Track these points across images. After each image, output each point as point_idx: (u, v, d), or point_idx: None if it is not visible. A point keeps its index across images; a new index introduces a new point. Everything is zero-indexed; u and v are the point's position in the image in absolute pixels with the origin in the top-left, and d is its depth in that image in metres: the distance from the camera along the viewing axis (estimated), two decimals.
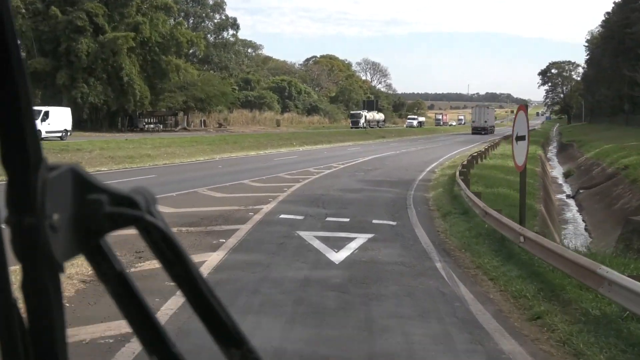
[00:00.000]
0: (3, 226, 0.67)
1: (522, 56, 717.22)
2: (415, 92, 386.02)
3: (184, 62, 70.91)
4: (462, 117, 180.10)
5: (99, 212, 0.69)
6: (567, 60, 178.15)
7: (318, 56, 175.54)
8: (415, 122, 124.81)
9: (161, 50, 67.22)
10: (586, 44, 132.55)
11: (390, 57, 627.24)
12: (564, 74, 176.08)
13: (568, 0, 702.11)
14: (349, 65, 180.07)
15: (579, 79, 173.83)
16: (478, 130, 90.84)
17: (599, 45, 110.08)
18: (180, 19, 71.17)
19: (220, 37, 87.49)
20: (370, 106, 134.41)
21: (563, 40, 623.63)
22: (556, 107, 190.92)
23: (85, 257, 0.72)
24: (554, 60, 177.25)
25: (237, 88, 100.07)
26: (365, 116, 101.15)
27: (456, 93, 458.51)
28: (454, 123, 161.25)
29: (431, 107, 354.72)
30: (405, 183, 25.00)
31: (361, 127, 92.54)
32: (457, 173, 21.19)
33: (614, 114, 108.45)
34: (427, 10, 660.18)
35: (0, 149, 0.66)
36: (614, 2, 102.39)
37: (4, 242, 0.67)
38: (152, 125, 71.29)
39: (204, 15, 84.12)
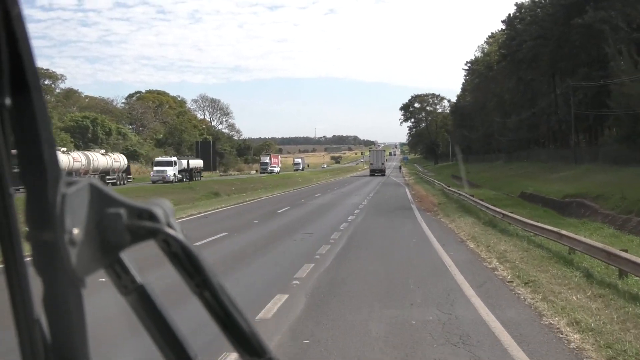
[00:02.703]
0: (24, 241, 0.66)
1: (367, 99, 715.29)
2: (264, 137, 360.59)
3: None
4: (300, 161, 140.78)
5: (118, 225, 0.68)
6: (431, 92, 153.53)
7: (143, 91, 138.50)
8: (170, 172, 54.75)
9: None
10: (466, 68, 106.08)
11: (237, 103, 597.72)
12: (428, 108, 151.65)
13: (399, 51, 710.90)
14: (183, 102, 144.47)
15: (447, 111, 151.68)
16: (375, 172, 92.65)
17: (499, 60, 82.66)
18: None
19: None
20: (205, 148, 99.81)
21: (402, 85, 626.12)
22: (405, 145, 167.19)
23: (105, 271, 0.71)
24: (417, 93, 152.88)
25: None
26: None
27: (304, 137, 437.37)
28: (276, 169, 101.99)
29: (279, 151, 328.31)
30: None
31: None
32: None
33: (521, 147, 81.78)
34: (270, 58, 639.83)
35: (19, 164, 0.65)
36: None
37: (25, 256, 0.66)
38: None
39: None
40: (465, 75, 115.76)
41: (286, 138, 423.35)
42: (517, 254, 12.94)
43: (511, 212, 17.92)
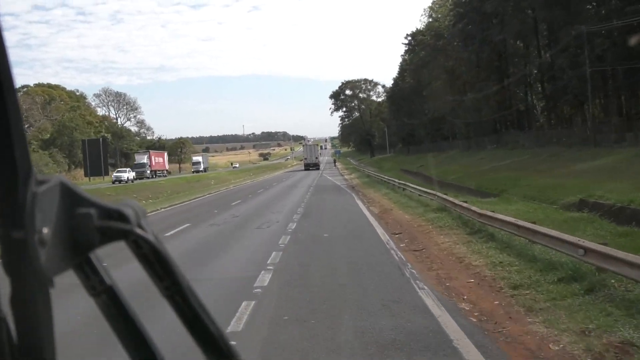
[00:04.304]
0: None
1: (296, 95, 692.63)
2: (191, 136, 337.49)
3: None
4: (200, 159, 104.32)
5: (88, 225, 0.66)
6: (364, 78, 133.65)
7: (32, 85, 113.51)
8: None
9: None
10: (407, 42, 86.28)
11: (164, 103, 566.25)
12: (361, 95, 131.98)
13: (326, 46, 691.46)
14: (82, 97, 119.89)
15: (381, 99, 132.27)
16: (310, 167, 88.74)
17: (455, 21, 63.11)
18: None
19: None
20: (94, 147, 77.64)
21: (331, 79, 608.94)
22: (336, 139, 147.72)
23: (74, 271, 0.68)
24: (348, 79, 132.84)
25: None
26: None
27: (232, 134, 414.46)
28: (125, 176, 63.04)
29: (206, 150, 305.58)
30: None
31: None
32: None
33: (483, 132, 62.29)
34: (196, 57, 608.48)
35: None
36: None
37: None
38: None
39: None
40: (404, 54, 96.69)
41: (214, 137, 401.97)
42: None
43: None
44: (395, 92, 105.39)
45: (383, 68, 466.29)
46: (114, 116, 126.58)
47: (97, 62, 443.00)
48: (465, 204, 14.73)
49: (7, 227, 0.61)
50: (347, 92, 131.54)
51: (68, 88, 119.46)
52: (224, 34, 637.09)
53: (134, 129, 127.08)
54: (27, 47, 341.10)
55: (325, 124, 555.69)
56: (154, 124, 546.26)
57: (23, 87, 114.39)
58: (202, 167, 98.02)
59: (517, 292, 7.76)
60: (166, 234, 15.78)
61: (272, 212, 21.06)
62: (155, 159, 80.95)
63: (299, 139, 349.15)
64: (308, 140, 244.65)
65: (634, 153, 29.69)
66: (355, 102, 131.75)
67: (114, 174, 64.39)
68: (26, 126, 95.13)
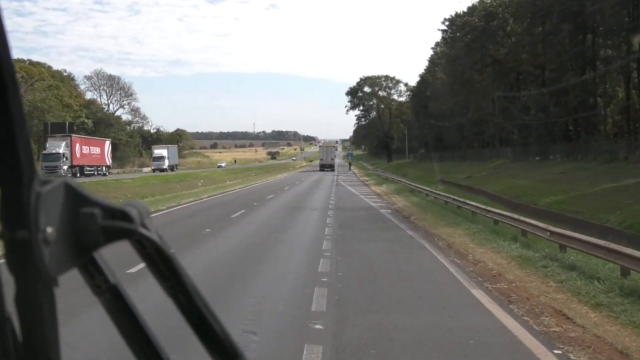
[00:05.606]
0: None
1: (309, 95, 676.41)
2: (200, 131, 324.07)
3: None
4: (165, 153, 76.04)
5: (92, 225, 0.65)
6: (385, 74, 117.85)
7: None
8: None
9: None
10: (445, 28, 70.60)
11: (175, 97, 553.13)
12: (381, 93, 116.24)
13: (343, 47, 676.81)
14: (69, 77, 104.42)
15: (402, 99, 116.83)
16: (325, 167, 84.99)
17: None
18: None
19: None
20: (59, 132, 60.75)
21: (347, 81, 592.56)
22: (347, 141, 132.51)
23: (79, 270, 0.68)
24: (366, 75, 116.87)
25: None
26: None
27: (242, 132, 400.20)
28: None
29: (215, 146, 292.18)
30: None
31: None
32: None
33: (550, 137, 45.78)
34: (211, 52, 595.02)
35: None
36: None
37: None
38: None
39: None
40: (434, 46, 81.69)
41: (224, 133, 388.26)
42: None
43: None
44: (422, 89, 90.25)
45: (403, 70, 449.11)
46: (106, 101, 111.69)
47: (112, 52, 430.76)
48: None
49: (12, 227, 0.61)
50: (366, 89, 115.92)
51: (81, 76, 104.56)
52: (240, 31, 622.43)
53: (127, 117, 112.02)
54: (43, 34, 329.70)
55: (336, 125, 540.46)
56: (166, 117, 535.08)
57: None
58: (166, 164, 72.46)
59: None
60: None
61: None
62: (82, 149, 56.69)
63: (309, 139, 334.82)
64: (319, 142, 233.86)
65: None
66: (374, 100, 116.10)
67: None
68: None
